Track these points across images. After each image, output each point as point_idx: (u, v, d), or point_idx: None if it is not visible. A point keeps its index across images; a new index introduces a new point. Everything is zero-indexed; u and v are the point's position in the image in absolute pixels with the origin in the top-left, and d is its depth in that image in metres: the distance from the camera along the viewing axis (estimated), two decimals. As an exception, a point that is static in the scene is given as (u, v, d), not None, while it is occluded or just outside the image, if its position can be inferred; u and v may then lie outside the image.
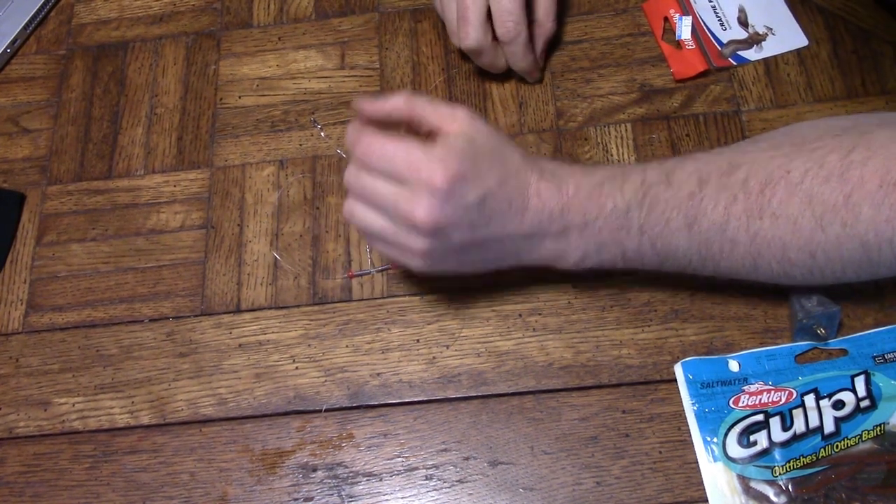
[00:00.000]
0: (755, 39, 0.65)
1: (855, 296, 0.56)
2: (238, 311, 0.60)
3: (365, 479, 0.54)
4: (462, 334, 0.58)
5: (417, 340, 0.58)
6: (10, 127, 0.70)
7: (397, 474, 0.54)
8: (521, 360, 0.57)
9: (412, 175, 0.48)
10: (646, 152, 0.62)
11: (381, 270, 0.60)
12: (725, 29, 0.66)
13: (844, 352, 0.54)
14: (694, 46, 0.65)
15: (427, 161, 0.48)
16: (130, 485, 0.56)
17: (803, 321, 0.54)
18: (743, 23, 0.66)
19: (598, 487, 0.53)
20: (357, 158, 0.51)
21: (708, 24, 0.66)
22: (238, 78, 0.69)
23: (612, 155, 0.62)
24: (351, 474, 0.55)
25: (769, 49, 0.65)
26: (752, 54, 0.65)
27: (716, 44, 0.65)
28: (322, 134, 0.65)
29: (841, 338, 0.55)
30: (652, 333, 0.56)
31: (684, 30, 0.65)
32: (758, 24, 0.66)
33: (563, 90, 0.66)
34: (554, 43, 0.67)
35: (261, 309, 0.60)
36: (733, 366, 0.54)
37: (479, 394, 0.56)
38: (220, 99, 0.69)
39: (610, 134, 0.63)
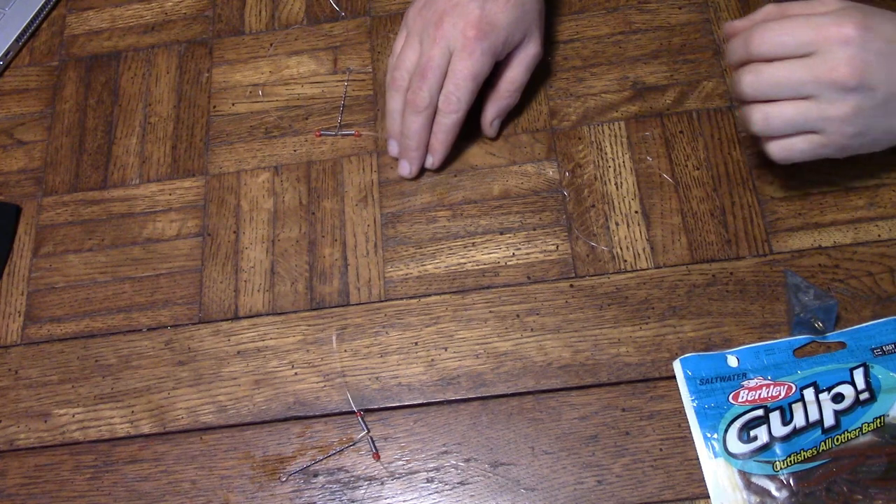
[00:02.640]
0: None
1: (852, 289, 0.56)
2: (236, 318, 0.60)
3: (366, 483, 0.54)
4: (460, 336, 0.58)
5: (416, 343, 0.58)
6: (5, 139, 0.70)
7: (398, 478, 0.54)
8: (519, 360, 0.57)
9: (820, 36, 0.49)
10: (640, 150, 0.62)
11: (345, 134, 0.62)
12: None
13: (843, 345, 0.54)
14: None
15: (830, 19, 0.49)
16: (132, 494, 0.56)
17: (801, 315, 0.54)
18: None
19: (600, 486, 0.53)
20: (752, 57, 0.51)
21: None
22: (231, 85, 0.69)
23: (606, 153, 0.63)
24: (352, 479, 0.55)
25: None
26: None
27: None
28: (344, 133, 0.65)
29: (839, 331, 0.55)
30: (650, 331, 0.56)
31: None
32: None
33: (556, 89, 0.66)
34: (550, 42, 0.67)
35: (259, 315, 0.60)
36: (732, 361, 0.54)
37: (479, 395, 0.56)
38: (214, 106, 0.69)
39: (604, 132, 0.63)
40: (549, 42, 0.67)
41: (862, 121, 0.50)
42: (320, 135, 0.61)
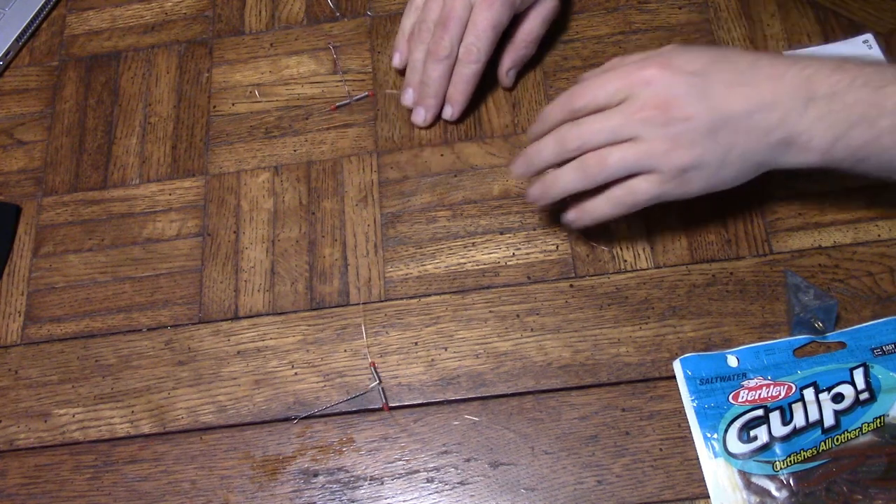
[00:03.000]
0: None
1: (852, 289, 0.56)
2: (236, 318, 0.60)
3: (366, 483, 0.54)
4: (460, 336, 0.58)
5: (416, 343, 0.58)
6: (5, 139, 0.70)
7: (398, 477, 0.54)
8: (519, 360, 0.57)
9: (627, 83, 0.51)
10: (640, 150, 0.62)
11: (361, 98, 0.64)
12: None
13: (843, 345, 0.54)
14: None
15: (636, 65, 0.51)
16: (132, 494, 0.56)
17: (801, 315, 0.54)
18: None
19: (600, 486, 0.53)
20: (574, 114, 0.53)
21: None
22: (231, 85, 0.69)
23: (606, 153, 0.62)
24: (352, 479, 0.55)
25: None
26: None
27: None
28: (358, 97, 0.67)
29: (839, 331, 0.54)
30: (650, 331, 0.56)
31: None
32: None
33: (556, 90, 0.66)
34: (547, 43, 0.67)
35: (259, 315, 0.60)
36: (732, 361, 0.54)
37: (479, 395, 0.56)
38: (214, 106, 0.69)
39: (604, 132, 0.63)
40: (549, 42, 0.67)
41: (691, 152, 0.50)
42: (336, 108, 0.63)
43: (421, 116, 0.65)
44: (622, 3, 0.68)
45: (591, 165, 0.52)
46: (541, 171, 0.55)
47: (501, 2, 0.60)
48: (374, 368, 0.56)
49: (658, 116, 0.50)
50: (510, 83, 0.66)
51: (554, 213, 0.61)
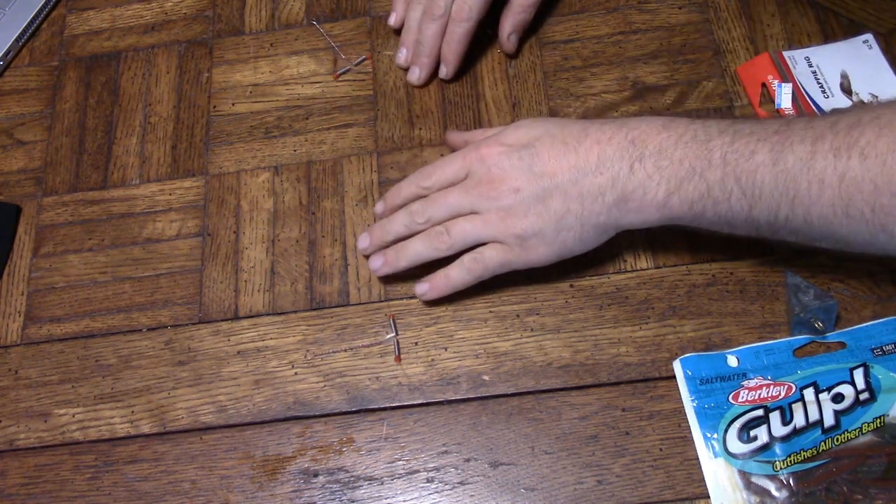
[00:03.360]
0: None
1: (852, 289, 0.56)
2: (236, 318, 0.60)
3: (366, 483, 0.54)
4: (460, 336, 0.58)
5: (416, 343, 0.58)
6: (5, 139, 0.70)
7: (398, 478, 0.54)
8: (519, 360, 0.57)
9: (466, 161, 0.55)
10: (640, 150, 0.62)
11: (360, 62, 0.66)
12: (828, 97, 0.62)
13: (843, 345, 0.54)
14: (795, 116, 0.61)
15: (474, 145, 0.56)
16: (132, 494, 0.56)
17: (801, 315, 0.54)
18: (846, 90, 0.61)
19: (600, 486, 0.53)
20: (422, 193, 0.57)
21: (809, 91, 0.62)
22: (231, 85, 0.69)
23: (606, 153, 0.63)
24: (352, 479, 0.55)
25: None
26: None
27: (818, 113, 0.61)
28: (357, 62, 0.68)
29: (839, 331, 0.55)
30: (650, 331, 0.56)
31: (784, 98, 0.61)
32: (862, 91, 0.62)
33: (556, 89, 0.66)
34: (546, 43, 0.67)
35: (259, 315, 0.60)
36: (732, 361, 0.54)
37: (479, 395, 0.56)
38: (214, 106, 0.69)
39: (604, 132, 0.63)
40: (549, 42, 0.67)
41: (524, 221, 0.53)
42: (338, 76, 0.66)
43: (416, 75, 0.66)
44: (622, 3, 0.68)
45: (435, 235, 0.55)
46: (389, 244, 0.58)
47: None
48: (394, 321, 0.58)
49: (491, 190, 0.53)
50: (512, 48, 0.66)
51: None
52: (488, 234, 0.54)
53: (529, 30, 0.67)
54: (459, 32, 0.64)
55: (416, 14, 0.66)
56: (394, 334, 0.58)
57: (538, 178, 0.52)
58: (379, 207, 0.60)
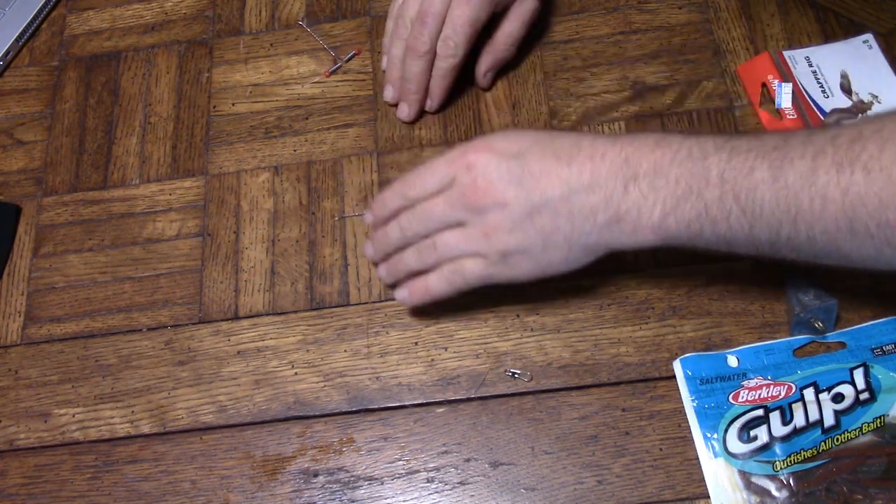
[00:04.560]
0: (860, 108, 0.60)
1: (852, 288, 0.56)
2: (236, 318, 0.60)
3: (366, 483, 0.54)
4: (460, 336, 0.58)
5: (416, 343, 0.58)
6: (5, 139, 0.70)
7: (398, 478, 0.54)
8: (519, 360, 0.57)
9: (451, 168, 0.52)
10: (640, 150, 0.62)
11: (350, 58, 0.66)
12: (828, 96, 0.62)
13: (843, 345, 0.54)
14: (795, 116, 0.61)
15: (459, 151, 0.52)
16: (132, 494, 0.56)
17: (801, 315, 0.54)
18: (846, 90, 0.62)
19: (600, 486, 0.53)
20: (408, 201, 0.54)
21: (809, 91, 0.62)
22: (231, 85, 0.69)
23: (606, 153, 0.62)
24: (352, 479, 0.55)
25: None
26: None
27: (818, 113, 0.61)
28: (347, 57, 0.68)
29: (839, 331, 0.55)
30: (650, 331, 0.56)
31: (784, 98, 0.61)
32: (862, 91, 0.62)
33: (556, 90, 0.66)
34: (546, 43, 0.67)
35: (259, 315, 0.60)
36: (732, 361, 0.54)
37: (479, 395, 0.56)
38: (214, 106, 0.69)
39: (604, 132, 0.63)
40: (549, 42, 0.67)
41: (510, 237, 0.50)
42: (329, 74, 0.66)
43: (405, 112, 0.66)
44: (622, 3, 0.68)
45: (425, 250, 0.54)
46: (389, 255, 0.56)
47: None
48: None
49: (476, 202, 0.51)
50: (487, 84, 0.66)
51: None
52: (471, 248, 0.52)
53: (529, 34, 0.67)
54: (444, 68, 0.63)
55: (397, 51, 0.64)
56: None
57: (527, 192, 0.50)
58: (368, 218, 0.58)
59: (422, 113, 0.66)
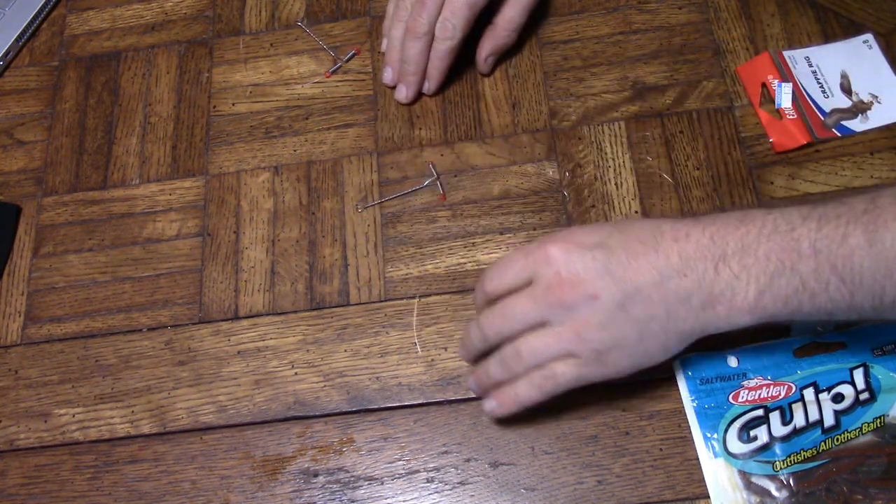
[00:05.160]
0: (860, 108, 0.61)
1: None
2: (236, 318, 0.60)
3: (366, 483, 0.54)
4: (460, 336, 0.58)
5: (416, 343, 0.58)
6: (5, 139, 0.70)
7: (398, 478, 0.54)
8: (519, 360, 0.57)
9: (530, 262, 0.48)
10: (640, 150, 0.62)
11: (349, 58, 0.67)
12: (828, 96, 0.62)
13: (843, 345, 0.54)
14: (795, 116, 0.61)
15: (538, 244, 0.49)
16: (132, 494, 0.56)
17: (801, 315, 0.54)
18: (846, 90, 0.62)
19: (600, 486, 0.53)
20: (490, 298, 0.51)
21: (809, 91, 0.62)
22: (231, 85, 0.69)
23: (606, 153, 0.63)
24: (352, 479, 0.55)
25: (876, 119, 0.61)
26: (857, 124, 0.61)
27: (818, 113, 0.61)
28: (347, 57, 0.68)
29: (839, 331, 0.54)
30: (650, 331, 0.56)
31: (784, 98, 0.61)
32: (862, 91, 0.62)
33: (556, 89, 0.66)
34: (546, 43, 0.67)
35: (259, 315, 0.60)
36: (732, 361, 0.54)
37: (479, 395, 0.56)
38: (214, 106, 0.69)
39: (604, 132, 0.63)
40: (549, 42, 0.67)
41: (603, 333, 0.47)
42: (329, 74, 0.67)
43: (403, 93, 0.66)
44: (622, 3, 0.68)
45: (510, 359, 0.50)
46: (478, 359, 0.53)
47: None
48: (433, 166, 0.59)
49: (563, 298, 0.47)
50: (488, 70, 0.66)
51: (554, 212, 0.61)
52: (562, 349, 0.48)
53: (529, 30, 0.67)
54: (442, 50, 0.63)
55: (397, 32, 0.65)
56: (435, 177, 0.59)
57: (617, 282, 0.46)
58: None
59: (419, 95, 0.66)
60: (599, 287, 0.47)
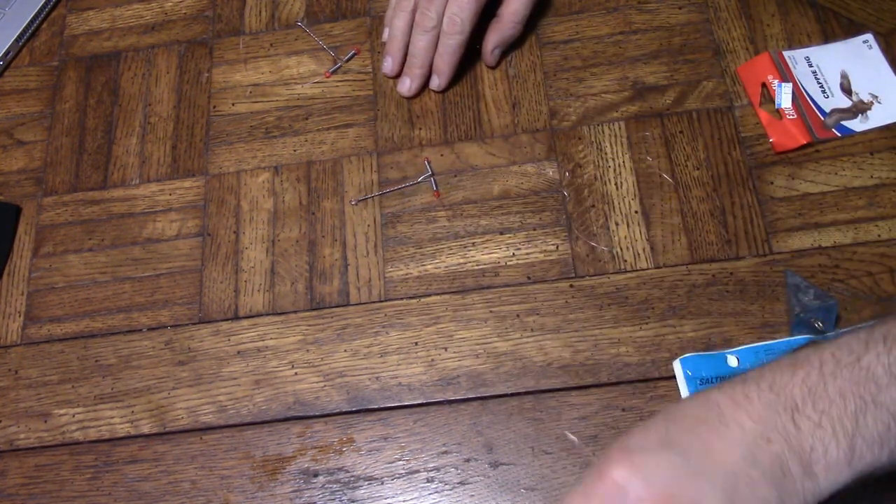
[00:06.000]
0: (860, 108, 0.60)
1: (852, 289, 0.56)
2: (236, 318, 0.60)
3: (366, 483, 0.54)
4: (460, 336, 0.58)
5: (415, 343, 0.58)
6: (5, 139, 0.70)
7: (398, 477, 0.54)
8: (519, 360, 0.57)
9: (599, 490, 0.41)
10: (640, 150, 0.62)
11: (350, 58, 0.67)
12: (828, 96, 0.62)
13: (843, 345, 0.54)
14: (795, 116, 0.61)
15: (590, 476, 0.42)
16: (132, 494, 0.56)
17: (801, 315, 0.54)
18: (846, 90, 0.61)
19: (600, 486, 0.53)
20: None
21: (809, 91, 0.62)
22: (231, 85, 0.69)
23: (606, 153, 0.63)
24: (352, 479, 0.55)
25: (876, 119, 0.61)
26: (857, 125, 0.60)
27: (818, 113, 0.61)
28: (347, 57, 0.68)
29: (839, 331, 0.54)
30: (650, 331, 0.56)
31: (784, 98, 0.61)
32: (862, 91, 0.62)
33: (556, 89, 0.66)
34: (546, 43, 0.67)
35: (259, 315, 0.60)
36: (732, 361, 0.54)
37: (479, 395, 0.56)
38: (214, 106, 0.69)
39: (604, 132, 0.63)
40: (549, 42, 0.67)
41: None
42: (329, 74, 0.67)
43: (406, 86, 0.66)
44: (622, 3, 0.68)
45: None
46: None
47: None
48: (428, 162, 0.59)
49: None
50: (494, 62, 0.67)
51: (554, 212, 0.61)
52: None
53: (529, 30, 0.67)
54: (452, 45, 0.63)
55: (399, 23, 0.65)
56: (429, 174, 0.59)
57: (710, 478, 0.39)
58: None
59: (422, 89, 0.66)
60: (695, 490, 0.39)
